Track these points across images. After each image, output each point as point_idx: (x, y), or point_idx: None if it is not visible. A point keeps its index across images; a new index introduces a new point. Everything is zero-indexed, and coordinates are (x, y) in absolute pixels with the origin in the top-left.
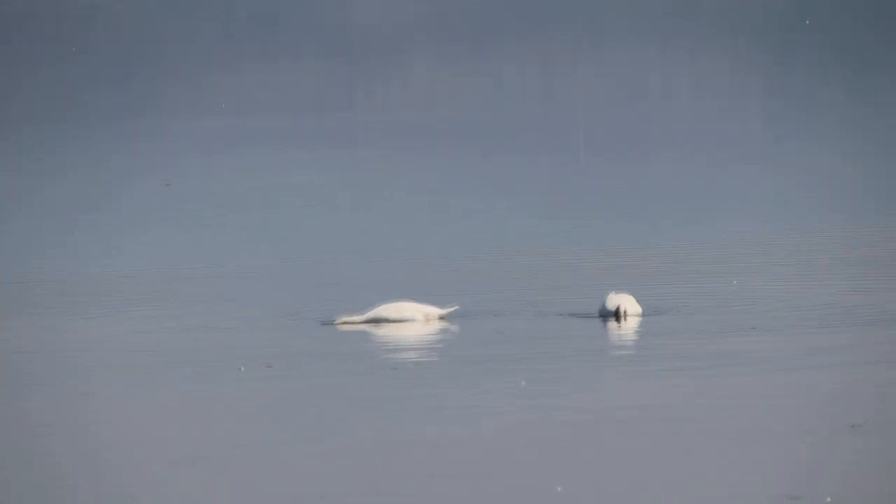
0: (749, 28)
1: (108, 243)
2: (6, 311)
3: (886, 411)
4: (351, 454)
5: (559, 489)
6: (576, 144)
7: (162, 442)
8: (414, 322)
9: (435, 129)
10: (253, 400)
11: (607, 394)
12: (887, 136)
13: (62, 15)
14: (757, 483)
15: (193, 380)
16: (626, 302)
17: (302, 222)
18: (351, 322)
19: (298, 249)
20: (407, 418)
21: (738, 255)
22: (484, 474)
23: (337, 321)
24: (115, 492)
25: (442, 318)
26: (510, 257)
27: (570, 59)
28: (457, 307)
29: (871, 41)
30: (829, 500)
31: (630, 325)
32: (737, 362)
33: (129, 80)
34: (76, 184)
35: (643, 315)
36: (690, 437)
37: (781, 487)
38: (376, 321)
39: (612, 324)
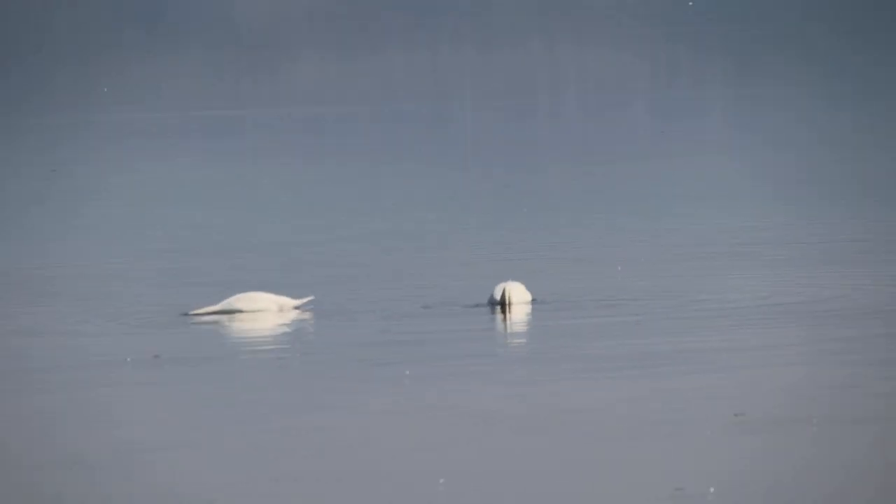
0: (635, 14)
1: None
2: None
3: (769, 401)
4: (236, 455)
5: (441, 481)
6: (463, 139)
7: (42, 444)
8: (268, 312)
9: (321, 124)
10: (139, 398)
11: (492, 388)
12: (774, 124)
13: None
14: (642, 477)
15: (72, 382)
16: (513, 290)
17: (174, 216)
18: (204, 313)
19: (164, 244)
20: (289, 413)
21: (629, 248)
22: (370, 468)
23: (191, 312)
24: None
25: (297, 308)
26: (392, 251)
27: (458, 54)
28: (311, 298)
29: (756, 22)
30: (712, 490)
31: (518, 315)
32: (621, 356)
33: (11, 70)
34: None
35: (533, 302)
36: (574, 433)
37: (666, 480)
38: (230, 312)
39: (500, 315)
